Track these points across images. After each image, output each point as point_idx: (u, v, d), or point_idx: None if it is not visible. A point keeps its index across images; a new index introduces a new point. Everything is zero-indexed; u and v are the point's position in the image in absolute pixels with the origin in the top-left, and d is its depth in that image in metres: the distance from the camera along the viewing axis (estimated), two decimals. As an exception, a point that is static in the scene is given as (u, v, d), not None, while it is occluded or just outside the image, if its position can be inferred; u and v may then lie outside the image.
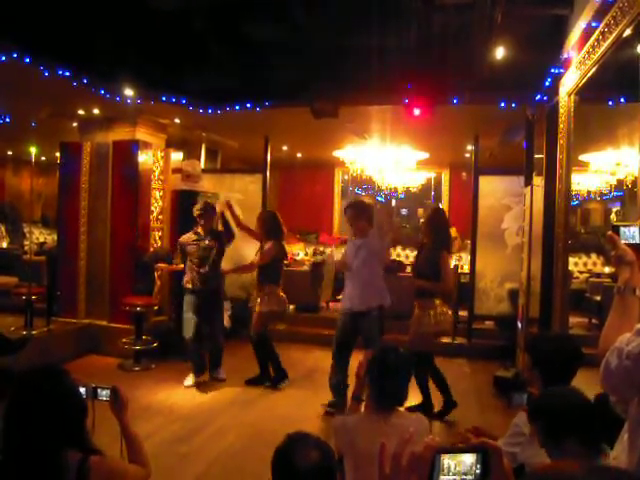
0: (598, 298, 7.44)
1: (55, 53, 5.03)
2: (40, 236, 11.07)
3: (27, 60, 4.84)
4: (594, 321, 7.46)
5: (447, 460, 0.90)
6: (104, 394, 2.10)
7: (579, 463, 0.87)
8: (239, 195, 8.31)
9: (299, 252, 9.71)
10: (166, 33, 5.50)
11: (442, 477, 0.90)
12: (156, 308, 6.67)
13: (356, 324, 4.94)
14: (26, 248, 8.96)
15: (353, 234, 5.17)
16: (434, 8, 5.05)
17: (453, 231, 10.37)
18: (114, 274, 6.89)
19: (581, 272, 9.36)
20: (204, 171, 8.28)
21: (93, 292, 6.99)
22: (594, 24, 3.69)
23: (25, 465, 1.68)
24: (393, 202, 14.60)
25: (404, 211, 16.33)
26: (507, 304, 7.18)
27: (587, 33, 3.89)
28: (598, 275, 8.77)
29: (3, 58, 4.66)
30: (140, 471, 2.00)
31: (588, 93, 4.60)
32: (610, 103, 5.34)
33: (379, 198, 13.57)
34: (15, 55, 4.70)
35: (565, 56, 4.65)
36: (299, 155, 10.79)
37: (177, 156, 8.04)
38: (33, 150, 7.50)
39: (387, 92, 5.89)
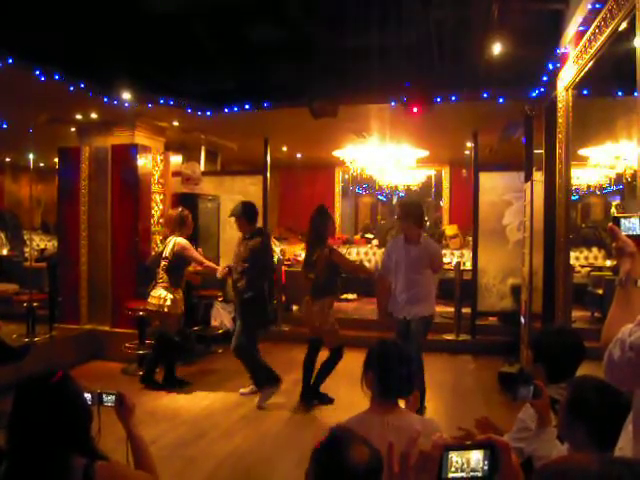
0: (600, 291, 7.44)
1: (51, 58, 5.01)
2: (41, 243, 11.06)
3: (23, 66, 4.82)
4: (596, 314, 7.45)
5: (455, 457, 0.90)
6: (109, 400, 2.09)
7: (592, 455, 0.87)
8: (240, 197, 8.30)
9: (301, 253, 9.69)
10: (164, 35, 5.49)
11: (450, 474, 0.89)
12: (158, 312, 6.66)
13: None
14: (27, 255, 8.95)
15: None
16: (431, 4, 5.05)
17: (454, 228, 10.43)
18: (116, 279, 6.89)
19: (582, 266, 9.34)
20: (204, 173, 8.29)
21: (95, 297, 6.98)
22: (590, 18, 3.69)
23: (30, 470, 1.68)
24: (394, 200, 14.63)
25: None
26: (510, 300, 7.19)
27: (583, 27, 3.89)
28: (599, 269, 8.76)
29: (-1, 64, 4.66)
30: (146, 477, 1.99)
31: (586, 87, 4.60)
32: (608, 97, 5.34)
33: (380, 197, 13.58)
34: (11, 61, 4.69)
35: (562, 51, 4.65)
36: (299, 156, 10.78)
37: (176, 159, 8.04)
38: (31, 156, 7.50)
39: (386, 90, 5.88)
